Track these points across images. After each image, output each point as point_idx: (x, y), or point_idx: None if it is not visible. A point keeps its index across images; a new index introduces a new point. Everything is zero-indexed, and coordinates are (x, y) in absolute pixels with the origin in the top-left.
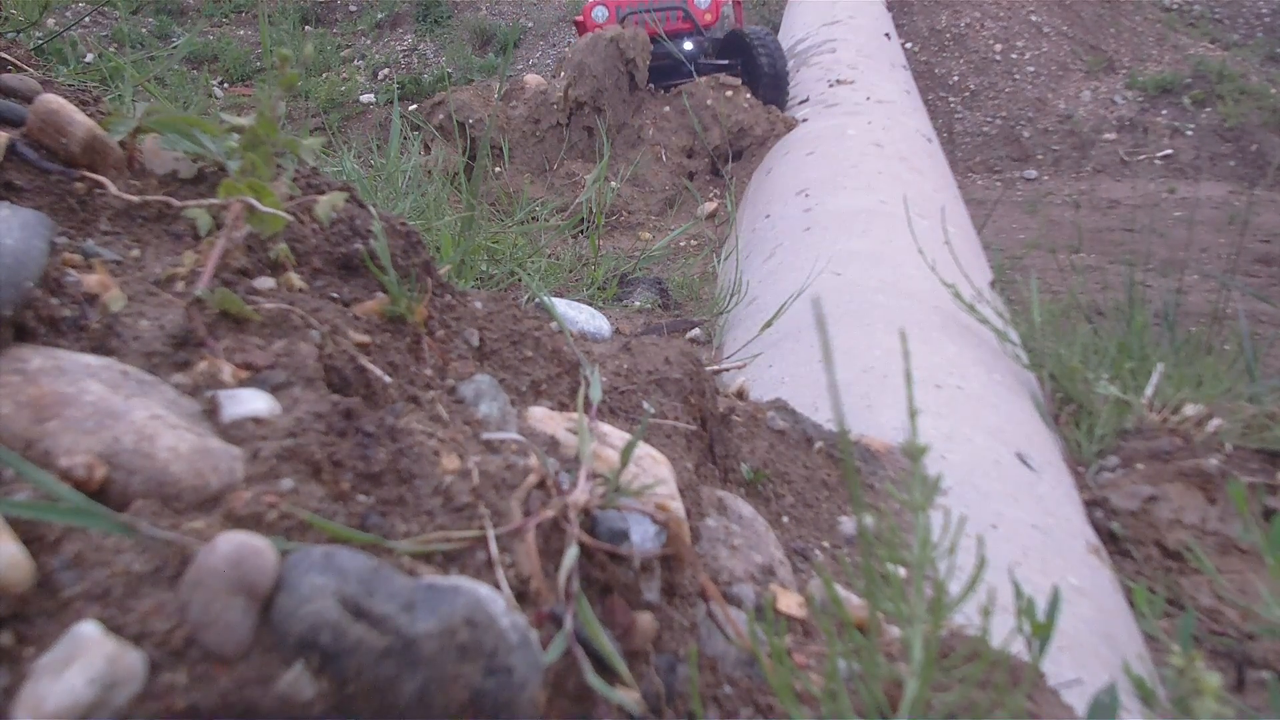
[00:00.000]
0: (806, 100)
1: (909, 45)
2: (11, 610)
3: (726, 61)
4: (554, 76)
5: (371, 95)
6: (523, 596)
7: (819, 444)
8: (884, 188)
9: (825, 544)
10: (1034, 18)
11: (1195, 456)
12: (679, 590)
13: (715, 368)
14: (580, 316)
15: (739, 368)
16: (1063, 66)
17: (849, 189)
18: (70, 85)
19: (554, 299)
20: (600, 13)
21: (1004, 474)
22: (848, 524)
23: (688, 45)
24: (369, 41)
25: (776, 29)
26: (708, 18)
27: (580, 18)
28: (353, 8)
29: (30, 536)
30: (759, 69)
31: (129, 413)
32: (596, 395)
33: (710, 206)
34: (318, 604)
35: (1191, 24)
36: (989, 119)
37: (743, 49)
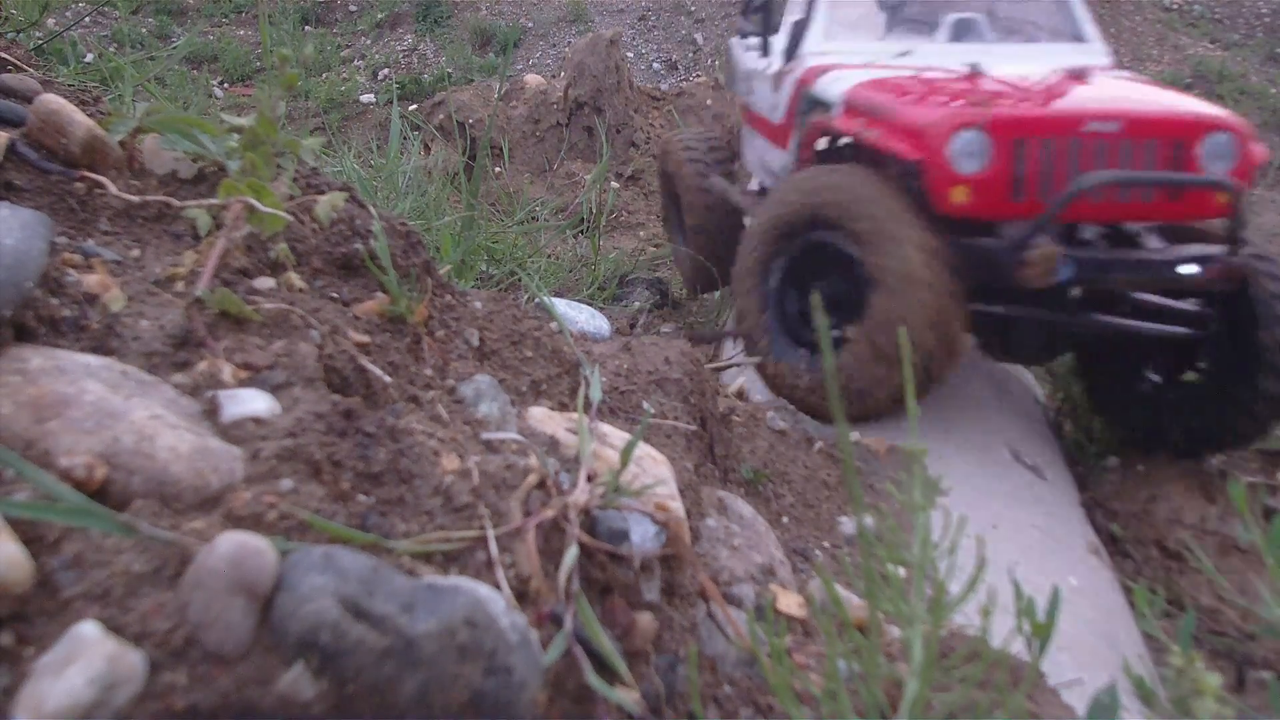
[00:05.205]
0: None
1: None
2: (11, 610)
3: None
4: (554, 76)
5: (371, 95)
6: (523, 596)
7: (819, 444)
8: None
9: (825, 544)
10: None
11: None
12: (679, 590)
13: (715, 365)
14: (580, 316)
15: (739, 367)
16: None
17: None
18: (70, 85)
19: (554, 299)
20: (968, 153)
21: (1004, 474)
22: (848, 524)
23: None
24: (369, 41)
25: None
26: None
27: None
28: (353, 8)
29: (30, 536)
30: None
31: (129, 413)
32: (596, 395)
33: None
34: (318, 604)
35: (1191, 24)
36: None
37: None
